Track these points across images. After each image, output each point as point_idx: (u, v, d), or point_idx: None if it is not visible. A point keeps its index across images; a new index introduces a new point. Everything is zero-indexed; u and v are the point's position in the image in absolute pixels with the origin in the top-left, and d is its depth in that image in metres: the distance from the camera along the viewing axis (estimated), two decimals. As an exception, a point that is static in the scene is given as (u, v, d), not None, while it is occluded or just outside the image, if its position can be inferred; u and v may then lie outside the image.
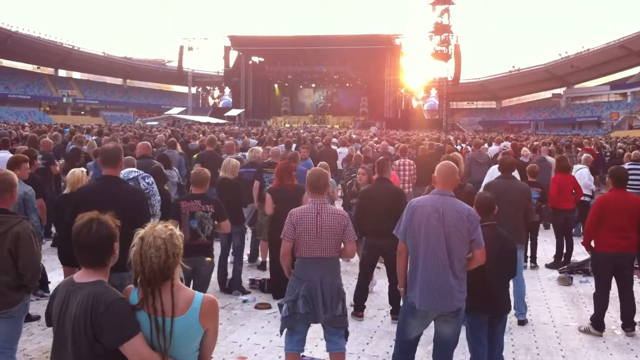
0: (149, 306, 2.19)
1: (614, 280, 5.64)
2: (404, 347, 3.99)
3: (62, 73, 70.02)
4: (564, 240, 8.33)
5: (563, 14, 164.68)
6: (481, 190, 5.80)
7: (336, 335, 4.12)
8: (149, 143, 8.85)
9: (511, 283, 4.75)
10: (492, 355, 4.20)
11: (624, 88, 62.30)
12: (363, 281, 5.95)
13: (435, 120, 60.52)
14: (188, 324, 2.23)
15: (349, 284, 6.28)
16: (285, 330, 4.15)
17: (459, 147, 16.13)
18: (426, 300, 3.71)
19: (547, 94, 69.81)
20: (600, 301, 5.61)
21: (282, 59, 62.23)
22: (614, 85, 64.34)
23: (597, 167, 12.35)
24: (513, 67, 67.58)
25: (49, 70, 68.78)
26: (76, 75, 71.68)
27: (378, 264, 6.21)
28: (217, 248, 5.99)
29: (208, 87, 76.50)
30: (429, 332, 4.06)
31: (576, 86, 68.22)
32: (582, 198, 8.97)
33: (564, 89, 68.38)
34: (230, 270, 6.74)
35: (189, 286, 3.84)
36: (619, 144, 19.64)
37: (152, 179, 5.41)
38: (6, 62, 64.74)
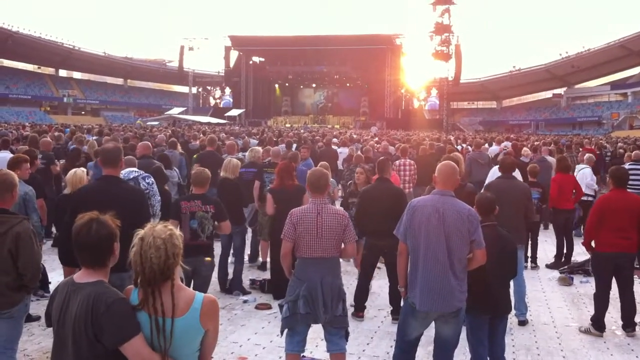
0: (150, 306, 2.19)
1: (614, 280, 5.64)
2: (404, 347, 3.99)
3: (62, 73, 70.00)
4: (564, 241, 8.33)
5: (563, 14, 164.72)
6: (482, 190, 5.80)
7: (336, 335, 4.12)
8: (149, 143, 8.85)
9: (511, 283, 4.75)
10: (493, 356, 4.20)
11: (624, 88, 62.26)
12: (363, 281, 5.95)
13: (435, 120, 60.48)
14: (188, 324, 2.23)
15: (349, 284, 6.28)
16: (285, 331, 4.15)
17: (459, 147, 16.15)
18: (426, 301, 3.71)
19: (548, 94, 69.73)
20: (601, 301, 5.60)
21: (283, 59, 62.24)
22: (614, 85, 64.29)
23: (597, 167, 12.35)
24: (513, 67, 67.64)
25: (50, 70, 68.77)
26: (77, 75, 71.64)
27: (378, 264, 6.21)
28: (217, 248, 5.99)
29: (209, 87, 76.46)
30: (429, 333, 4.06)
31: (577, 86, 68.16)
32: (585, 198, 8.98)
33: (564, 89, 68.31)
34: (230, 270, 6.75)
35: (189, 286, 3.85)
36: (619, 144, 19.63)
37: (152, 179, 5.41)
38: (7, 62, 64.75)
